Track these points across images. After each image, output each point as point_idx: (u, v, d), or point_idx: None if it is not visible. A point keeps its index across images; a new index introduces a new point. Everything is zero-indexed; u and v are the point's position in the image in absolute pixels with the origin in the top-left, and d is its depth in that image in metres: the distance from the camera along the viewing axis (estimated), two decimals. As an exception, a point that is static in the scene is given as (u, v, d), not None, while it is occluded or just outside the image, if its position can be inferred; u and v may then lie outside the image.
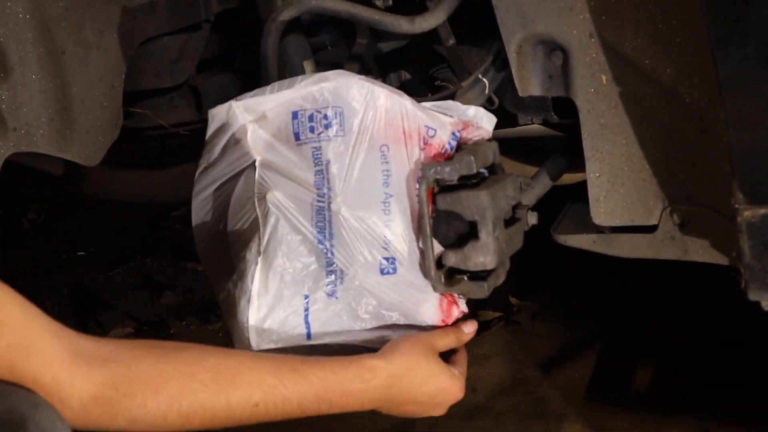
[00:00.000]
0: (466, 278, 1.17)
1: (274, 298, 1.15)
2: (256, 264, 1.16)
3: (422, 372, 1.07)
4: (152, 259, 2.78)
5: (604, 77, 1.19)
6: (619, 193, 1.24)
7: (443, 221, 1.16)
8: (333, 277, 1.17)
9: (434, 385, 1.08)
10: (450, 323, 1.21)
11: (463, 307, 1.21)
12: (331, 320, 1.17)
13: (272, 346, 1.15)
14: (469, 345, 1.20)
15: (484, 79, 1.35)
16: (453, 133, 1.17)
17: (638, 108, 1.19)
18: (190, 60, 1.61)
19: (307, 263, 1.17)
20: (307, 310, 1.16)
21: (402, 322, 1.19)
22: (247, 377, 0.92)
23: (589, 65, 1.19)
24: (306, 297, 1.16)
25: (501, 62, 1.34)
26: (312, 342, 1.17)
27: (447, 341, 1.14)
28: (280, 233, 1.17)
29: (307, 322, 1.16)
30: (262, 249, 1.16)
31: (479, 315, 2.10)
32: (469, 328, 1.18)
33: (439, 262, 1.16)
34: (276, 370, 0.95)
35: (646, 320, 2.02)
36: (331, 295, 1.17)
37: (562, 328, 2.04)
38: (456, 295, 1.20)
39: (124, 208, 2.96)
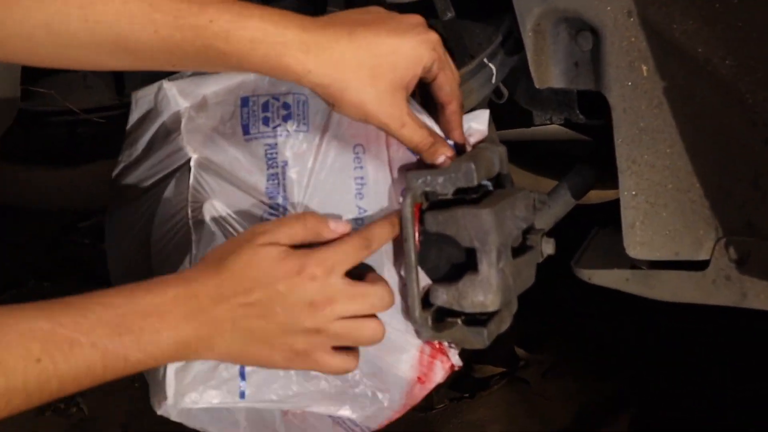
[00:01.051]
0: (460, 322, 1.16)
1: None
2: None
3: (235, 264, 1.01)
4: (52, 282, 2.76)
5: (644, 68, 1.20)
6: (661, 217, 1.24)
7: (433, 247, 1.16)
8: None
9: (250, 266, 1.01)
10: (429, 384, 1.21)
11: (456, 359, 1.21)
12: (275, 376, 1.16)
13: (194, 405, 1.14)
14: (463, 409, 1.19)
15: (491, 65, 1.35)
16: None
17: (687, 108, 1.20)
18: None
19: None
20: (243, 360, 1.15)
21: (368, 381, 1.19)
22: (17, 328, 0.91)
23: (626, 52, 1.20)
24: (244, 341, 1.15)
25: (513, 43, 1.35)
26: (247, 403, 1.16)
27: (292, 230, 1.04)
28: (218, 255, 1.16)
29: (242, 376, 1.15)
30: (193, 274, 1.15)
31: (476, 371, 2.10)
32: (336, 225, 1.07)
33: (426, 300, 1.16)
34: (48, 312, 0.93)
35: (693, 376, 2.02)
36: (277, 340, 1.16)
37: (581, 389, 2.04)
38: (446, 344, 1.20)
39: (18, 216, 2.93)
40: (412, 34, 1.06)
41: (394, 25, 1.06)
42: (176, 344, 0.99)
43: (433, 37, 1.08)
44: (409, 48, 1.06)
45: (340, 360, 1.07)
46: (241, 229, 1.17)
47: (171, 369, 1.14)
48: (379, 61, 1.04)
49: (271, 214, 1.17)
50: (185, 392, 1.14)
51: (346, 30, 1.03)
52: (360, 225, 1.16)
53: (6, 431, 1.00)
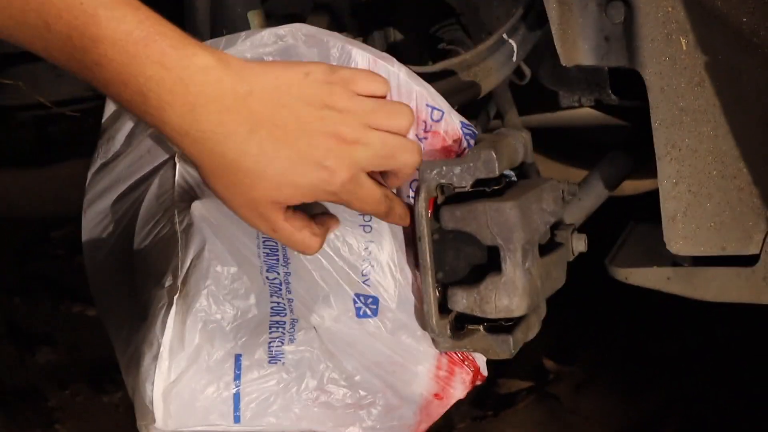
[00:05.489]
0: (482, 329, 1.17)
1: (192, 357, 1.15)
2: (171, 305, 1.15)
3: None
4: (22, 299, 2.76)
5: (683, 41, 1.21)
6: (705, 208, 1.25)
7: (450, 246, 1.16)
8: (280, 329, 1.17)
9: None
10: (447, 400, 1.21)
11: (483, 367, 1.21)
12: (273, 397, 1.16)
13: (183, 428, 1.14)
14: (486, 428, 1.20)
15: (511, 41, 1.35)
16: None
17: (732, 86, 1.21)
18: (84, 8, 1.61)
19: (244, 308, 1.16)
20: (238, 377, 1.16)
21: (378, 398, 1.19)
22: None
23: (662, 23, 1.21)
24: (238, 357, 1.16)
25: (536, 17, 1.35)
26: (242, 428, 1.16)
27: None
28: (206, 261, 1.16)
29: (236, 397, 1.15)
30: (179, 283, 1.16)
31: (499, 385, 2.09)
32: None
33: (444, 306, 1.16)
34: None
35: (745, 390, 2.01)
36: (274, 358, 1.16)
37: (618, 406, 2.04)
38: (468, 354, 1.20)
39: (-18, 225, 2.94)
40: (312, 169, 1.04)
41: (301, 150, 1.03)
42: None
43: (339, 177, 1.05)
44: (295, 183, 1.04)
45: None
46: (233, 231, 1.17)
47: (158, 390, 1.14)
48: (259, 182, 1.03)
49: (268, 213, 1.17)
50: (175, 414, 1.14)
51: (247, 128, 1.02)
52: (368, 220, 1.16)
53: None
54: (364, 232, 1.16)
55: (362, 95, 1.06)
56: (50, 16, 0.97)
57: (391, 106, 1.07)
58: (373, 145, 1.05)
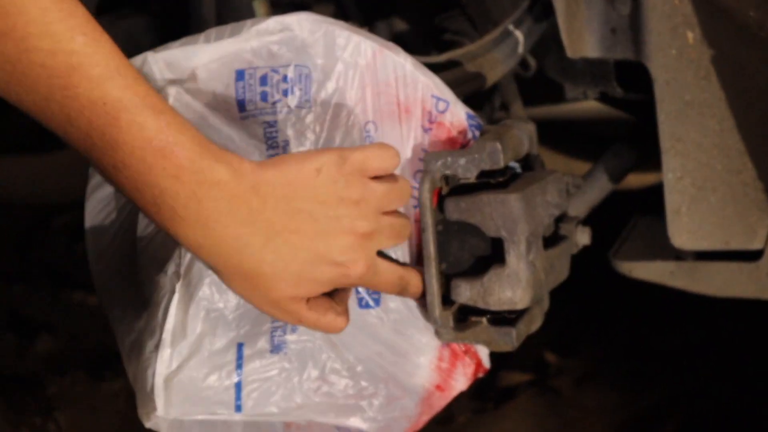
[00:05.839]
0: (485, 321, 1.17)
1: (194, 345, 1.15)
2: (173, 293, 1.15)
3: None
4: (22, 286, 2.76)
5: (690, 34, 1.21)
6: (709, 202, 1.25)
7: (454, 237, 1.16)
8: (282, 319, 1.16)
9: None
10: (449, 392, 1.21)
11: (485, 359, 1.21)
12: (275, 387, 1.16)
13: (185, 416, 1.14)
14: (487, 422, 1.20)
15: (517, 33, 1.35)
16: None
17: (738, 80, 1.21)
18: (87, -6, 1.61)
19: (247, 297, 1.16)
20: (240, 367, 1.16)
21: (380, 391, 1.19)
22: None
23: (669, 16, 1.21)
24: (240, 347, 1.15)
25: (542, 8, 1.35)
26: (243, 417, 1.16)
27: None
28: (210, 249, 1.16)
29: (237, 387, 1.15)
30: (182, 270, 1.15)
31: (500, 378, 2.09)
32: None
33: (447, 297, 1.16)
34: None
35: (748, 384, 2.02)
36: (276, 348, 1.16)
37: (620, 400, 2.04)
38: (470, 346, 1.20)
39: (-17, 212, 2.94)
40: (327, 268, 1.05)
41: (319, 251, 1.04)
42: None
43: (358, 271, 1.06)
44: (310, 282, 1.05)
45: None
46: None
47: (160, 379, 1.14)
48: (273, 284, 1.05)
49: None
50: (176, 403, 1.14)
51: (264, 234, 1.02)
52: None
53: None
54: (368, 222, 1.16)
55: (374, 176, 1.07)
56: (72, 111, 0.96)
57: (399, 189, 1.08)
58: (385, 231, 1.07)
